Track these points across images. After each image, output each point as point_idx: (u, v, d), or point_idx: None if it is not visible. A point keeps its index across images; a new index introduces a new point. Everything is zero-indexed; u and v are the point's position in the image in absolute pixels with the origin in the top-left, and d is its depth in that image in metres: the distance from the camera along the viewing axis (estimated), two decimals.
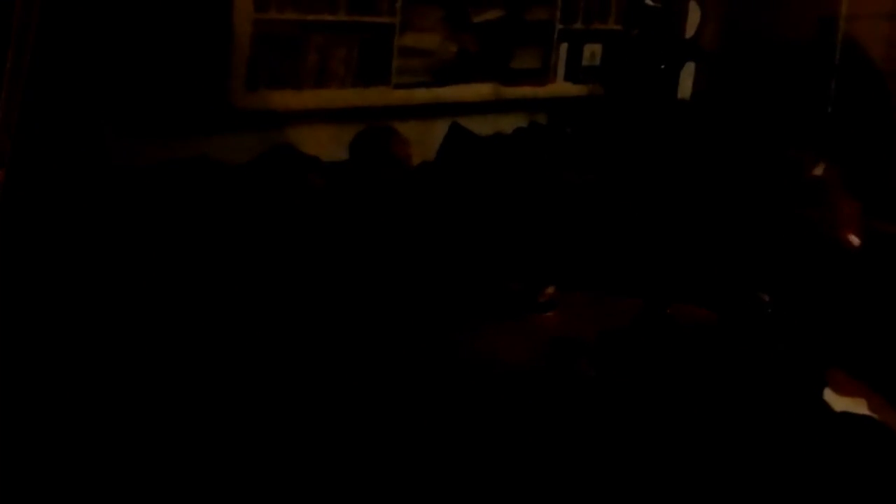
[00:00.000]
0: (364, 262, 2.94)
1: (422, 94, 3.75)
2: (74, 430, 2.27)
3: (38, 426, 2.24)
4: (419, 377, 2.61)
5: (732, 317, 2.76)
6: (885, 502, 2.38)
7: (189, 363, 2.47)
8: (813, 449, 2.42)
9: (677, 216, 3.26)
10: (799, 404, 2.54)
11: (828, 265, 3.08)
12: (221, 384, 2.45)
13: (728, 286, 2.92)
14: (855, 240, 3.15)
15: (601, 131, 4.04)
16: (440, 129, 3.76)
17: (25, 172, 2.30)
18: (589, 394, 2.57)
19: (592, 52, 4.26)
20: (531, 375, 2.66)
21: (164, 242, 2.72)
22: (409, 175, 3.37)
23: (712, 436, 2.44)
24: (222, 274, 2.75)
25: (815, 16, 4.18)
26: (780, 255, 3.05)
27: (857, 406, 2.66)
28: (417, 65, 3.75)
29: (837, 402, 2.65)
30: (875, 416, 2.58)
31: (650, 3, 4.02)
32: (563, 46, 4.19)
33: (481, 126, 3.90)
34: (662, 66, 3.98)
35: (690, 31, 4.09)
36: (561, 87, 4.22)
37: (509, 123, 4.04)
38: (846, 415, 2.54)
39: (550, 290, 2.99)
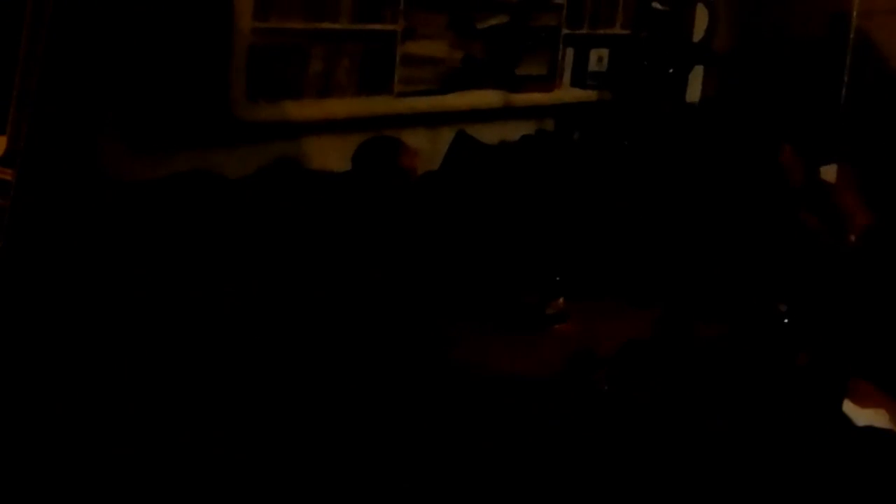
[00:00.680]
0: (369, 274, 2.89)
1: (426, 103, 3.68)
2: (72, 434, 2.27)
3: (36, 428, 2.24)
4: (423, 392, 2.57)
5: (749, 328, 2.69)
6: None
7: (185, 370, 2.47)
8: (833, 465, 2.36)
9: (686, 222, 3.20)
10: (818, 419, 2.47)
11: (839, 271, 3.02)
12: (216, 389, 2.45)
13: (743, 296, 2.86)
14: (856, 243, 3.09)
15: (609, 137, 3.99)
16: (446, 137, 3.70)
17: (37, 175, 2.35)
18: (602, 408, 2.51)
19: (599, 57, 4.20)
20: (544, 388, 2.61)
21: (161, 256, 2.67)
22: (414, 186, 3.31)
23: (728, 451, 2.38)
24: (221, 284, 2.70)
25: (827, 12, 4.12)
26: (792, 262, 2.99)
27: (878, 418, 2.60)
28: (422, 73, 3.69)
29: (859, 414, 2.59)
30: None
31: (658, 6, 3.97)
32: (570, 52, 4.13)
33: (488, 134, 3.84)
34: (671, 70, 3.93)
35: (699, 34, 4.04)
36: (567, 92, 4.16)
37: (516, 131, 3.98)
38: (869, 429, 2.47)
39: (560, 301, 2.93)
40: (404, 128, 3.56)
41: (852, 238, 2.99)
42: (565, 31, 4.08)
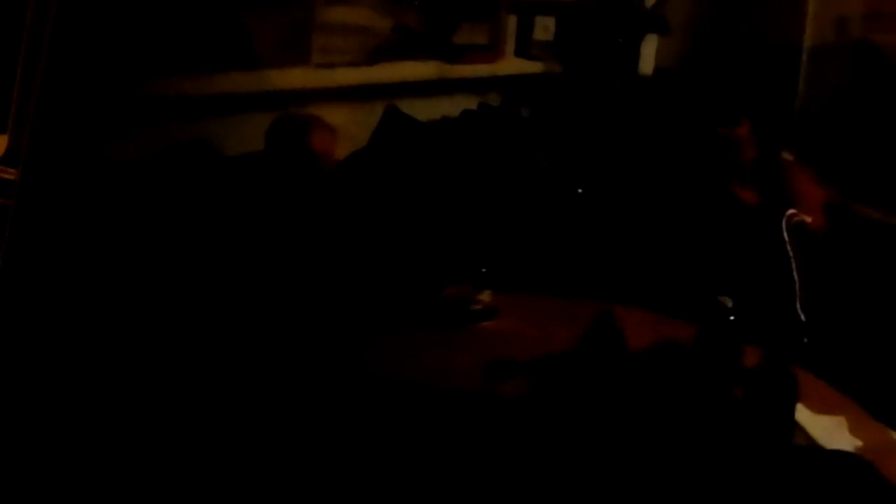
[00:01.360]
0: (277, 264, 2.65)
1: (349, 75, 3.39)
2: (72, 430, 2.27)
3: (35, 425, 2.25)
4: (331, 395, 2.37)
5: (694, 329, 2.42)
6: None
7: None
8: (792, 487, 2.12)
9: (626, 206, 2.92)
10: (774, 441, 2.22)
11: (782, 253, 2.75)
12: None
13: (685, 289, 2.58)
14: (814, 223, 2.83)
15: (559, 111, 3.73)
16: (376, 114, 3.42)
17: (41, 171, 2.38)
18: (519, 417, 2.26)
19: (545, 26, 3.92)
20: (459, 396, 2.36)
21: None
22: (330, 168, 3.02)
23: (665, 470, 2.12)
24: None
25: None
26: (732, 245, 2.71)
27: (837, 426, 2.35)
28: (345, 42, 3.41)
29: (815, 422, 2.33)
30: (857, 439, 2.27)
31: None
32: (512, 19, 3.86)
33: (424, 110, 3.56)
34: (620, 40, 3.65)
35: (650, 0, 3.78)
36: (511, 63, 3.88)
37: (457, 106, 3.71)
38: (836, 453, 2.22)
39: (486, 296, 2.65)
40: (326, 102, 3.29)
41: (808, 219, 2.72)
42: None
